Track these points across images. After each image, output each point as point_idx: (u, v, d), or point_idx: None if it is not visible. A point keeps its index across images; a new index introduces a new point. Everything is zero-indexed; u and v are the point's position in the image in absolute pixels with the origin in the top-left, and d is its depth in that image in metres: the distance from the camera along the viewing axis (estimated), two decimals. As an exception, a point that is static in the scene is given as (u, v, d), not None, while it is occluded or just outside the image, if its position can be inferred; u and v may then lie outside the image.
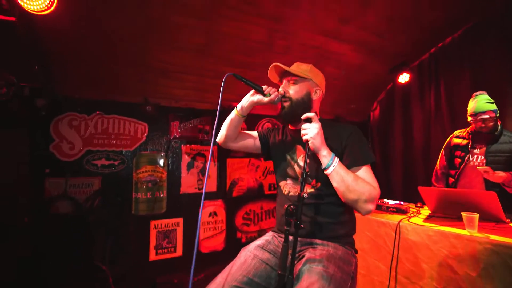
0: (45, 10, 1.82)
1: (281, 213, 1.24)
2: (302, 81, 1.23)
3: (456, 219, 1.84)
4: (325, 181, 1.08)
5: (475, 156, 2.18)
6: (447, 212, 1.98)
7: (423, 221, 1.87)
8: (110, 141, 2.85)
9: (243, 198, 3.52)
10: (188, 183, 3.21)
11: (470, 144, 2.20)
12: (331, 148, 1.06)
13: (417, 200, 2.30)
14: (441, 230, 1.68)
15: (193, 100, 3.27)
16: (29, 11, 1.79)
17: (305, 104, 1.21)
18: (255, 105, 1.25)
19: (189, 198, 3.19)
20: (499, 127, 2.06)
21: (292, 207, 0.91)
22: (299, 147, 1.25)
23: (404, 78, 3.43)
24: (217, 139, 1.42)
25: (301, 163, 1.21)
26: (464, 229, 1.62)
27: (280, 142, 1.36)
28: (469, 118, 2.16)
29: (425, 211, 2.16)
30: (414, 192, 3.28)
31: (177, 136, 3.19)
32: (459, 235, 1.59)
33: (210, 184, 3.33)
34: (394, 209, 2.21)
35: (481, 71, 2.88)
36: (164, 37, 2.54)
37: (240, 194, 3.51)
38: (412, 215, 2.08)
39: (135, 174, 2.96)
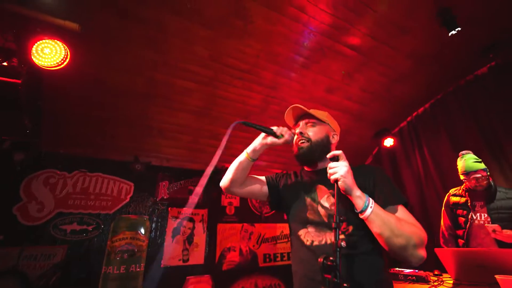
0: (57, 66, 1.88)
1: (303, 272, 0.99)
2: (320, 124, 1.21)
3: (487, 285, 1.61)
4: (358, 224, 0.92)
5: (478, 214, 2.14)
6: (474, 278, 1.74)
7: None
8: (87, 202, 2.53)
9: (235, 272, 3.01)
10: (171, 253, 2.75)
11: (469, 202, 2.18)
12: (361, 188, 0.93)
13: (429, 266, 2.09)
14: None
15: (185, 160, 3.18)
16: (41, 66, 1.84)
17: (324, 146, 1.16)
18: (268, 147, 1.20)
19: (171, 273, 2.67)
20: (493, 184, 2.10)
21: (330, 258, 0.70)
22: (321, 187, 1.11)
23: (389, 142, 3.66)
24: (222, 183, 1.28)
25: (326, 204, 1.04)
26: (504, 296, 1.39)
27: (295, 184, 1.23)
28: (462, 177, 2.20)
29: (447, 279, 1.90)
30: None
31: (165, 197, 2.93)
32: (502, 304, 1.34)
33: (197, 254, 2.87)
34: (414, 278, 1.94)
35: (455, 134, 3.18)
36: (164, 99, 2.67)
37: (232, 267, 3.01)
38: (436, 283, 1.81)
39: (110, 242, 2.52)
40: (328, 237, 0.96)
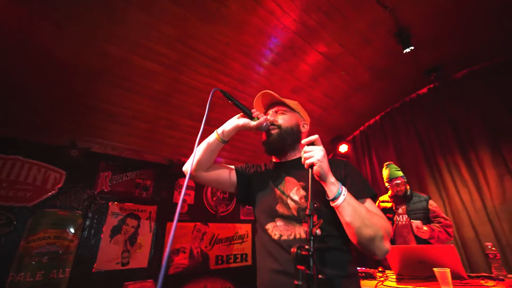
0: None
1: (271, 267, 0.91)
2: (291, 112, 1.17)
3: (425, 279, 1.76)
4: (329, 218, 0.89)
5: (401, 216, 2.46)
6: (413, 273, 1.90)
7: (398, 284, 1.73)
8: (-3, 191, 2.00)
9: (183, 276, 2.74)
10: (108, 255, 2.36)
11: (394, 206, 2.50)
12: None
13: (373, 263, 2.35)
14: (421, 291, 1.54)
15: (137, 149, 2.82)
16: None
17: (294, 134, 1.13)
18: (240, 129, 1.09)
19: (105, 279, 2.28)
20: (409, 190, 2.46)
21: (306, 247, 0.62)
22: (290, 179, 1.05)
23: (343, 148, 3.89)
24: (185, 167, 1.12)
25: (296, 197, 0.99)
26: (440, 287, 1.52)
27: (265, 176, 1.15)
28: (387, 184, 2.62)
29: (390, 275, 2.04)
30: (363, 257, 3.29)
31: (106, 190, 2.52)
32: (440, 294, 1.46)
33: (139, 257, 2.52)
34: (363, 274, 2.05)
35: (399, 145, 3.55)
36: (118, 78, 2.31)
37: (180, 270, 2.74)
38: (382, 279, 1.92)
39: (25, 242, 2.03)
40: (297, 232, 0.91)
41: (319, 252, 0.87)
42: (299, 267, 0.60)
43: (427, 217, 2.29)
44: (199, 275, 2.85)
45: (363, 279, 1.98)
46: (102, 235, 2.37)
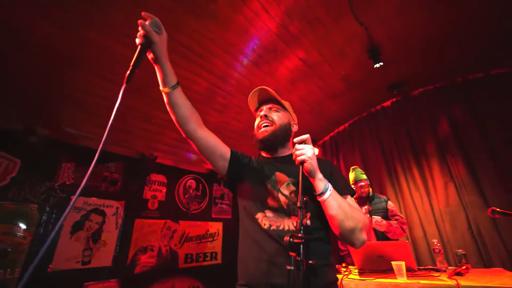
0: None
1: (258, 255, 0.92)
2: (284, 111, 1.20)
3: (383, 272, 1.95)
4: (315, 212, 0.95)
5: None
6: (373, 267, 2.08)
7: (360, 277, 1.89)
8: None
9: (150, 274, 2.63)
10: (67, 253, 2.17)
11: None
12: None
13: (336, 260, 2.52)
14: (381, 282, 1.71)
15: (107, 141, 2.62)
16: None
17: (286, 132, 1.16)
18: (159, 48, 0.92)
19: (62, 279, 2.09)
20: (371, 192, 2.69)
21: (299, 235, 0.67)
22: (280, 174, 1.08)
23: (315, 151, 4.09)
24: (178, 121, 1.03)
25: (286, 192, 1.03)
26: (395, 278, 1.71)
27: (256, 169, 1.14)
28: (353, 186, 2.81)
29: (352, 269, 2.21)
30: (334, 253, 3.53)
31: (68, 183, 2.32)
32: (396, 284, 1.65)
33: (103, 255, 2.37)
34: None
35: (365, 151, 3.87)
36: (94, 65, 2.15)
37: (147, 269, 2.62)
38: (346, 273, 2.08)
39: (-35, 238, 1.78)
40: (286, 223, 0.95)
41: (306, 242, 0.92)
42: (291, 253, 0.65)
43: (386, 216, 2.53)
44: (167, 274, 2.76)
45: (329, 274, 2.12)
46: (61, 232, 2.17)
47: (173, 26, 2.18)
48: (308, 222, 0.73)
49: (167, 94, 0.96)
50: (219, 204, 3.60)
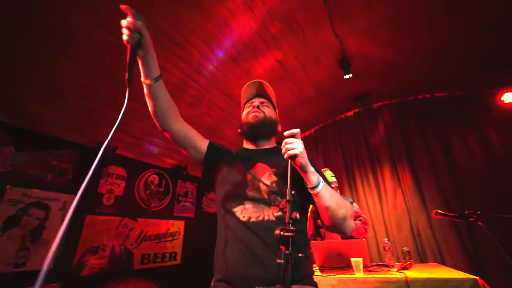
0: None
1: (238, 247, 0.90)
2: (272, 109, 1.24)
3: (341, 269, 2.09)
4: (297, 203, 0.97)
5: None
6: (333, 264, 2.22)
7: (322, 273, 1.98)
8: None
9: (99, 277, 2.36)
10: (-4, 254, 1.82)
11: None
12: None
13: None
14: (342, 277, 1.82)
15: (62, 127, 2.29)
16: None
17: (273, 127, 1.18)
18: (147, 50, 0.88)
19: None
20: (339, 194, 2.91)
21: (291, 228, 0.66)
22: (261, 164, 1.07)
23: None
24: (155, 113, 1.00)
25: (267, 181, 1.01)
26: (353, 274, 1.84)
27: (235, 160, 1.12)
28: None
29: (315, 268, 2.32)
30: None
31: (3, 170, 1.96)
32: (355, 279, 1.77)
33: (43, 256, 2.04)
34: None
35: (328, 157, 4.11)
36: (66, 45, 1.87)
37: (95, 271, 2.34)
38: None
39: None
40: (266, 214, 0.93)
41: (296, 235, 0.93)
42: (282, 247, 0.63)
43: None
44: (120, 277, 2.51)
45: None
46: (-12, 228, 1.82)
47: (156, 12, 2.02)
48: (298, 215, 0.72)
49: (149, 86, 0.92)
50: (182, 202, 3.42)
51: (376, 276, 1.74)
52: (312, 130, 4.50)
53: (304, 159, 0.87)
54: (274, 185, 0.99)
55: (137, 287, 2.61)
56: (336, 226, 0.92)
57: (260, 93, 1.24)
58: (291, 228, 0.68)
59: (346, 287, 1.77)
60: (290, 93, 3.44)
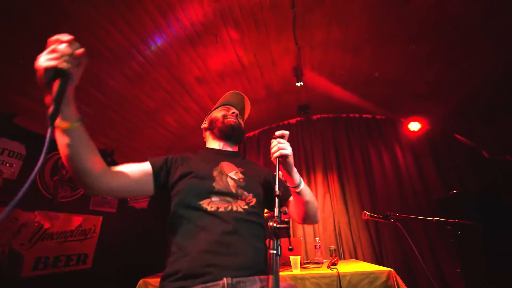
0: None
1: (206, 237, 0.84)
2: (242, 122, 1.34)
3: (281, 266, 2.14)
4: (259, 198, 1.02)
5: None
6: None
7: None
8: None
9: None
10: None
11: None
12: (265, 179, 1.12)
13: None
14: (280, 274, 1.84)
15: None
16: None
17: (243, 136, 1.27)
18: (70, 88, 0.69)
19: None
20: None
21: (286, 220, 0.69)
22: (227, 163, 1.09)
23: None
24: (75, 172, 0.76)
25: (235, 177, 1.04)
26: (291, 271, 1.91)
27: (197, 159, 1.09)
28: None
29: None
30: None
31: None
32: (293, 275, 1.83)
33: None
34: None
35: (267, 159, 4.21)
36: None
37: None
38: None
39: None
40: (234, 205, 0.93)
41: (250, 225, 0.92)
42: (275, 238, 0.63)
43: None
44: (-3, 288, 1.85)
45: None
46: None
47: None
48: (286, 209, 0.71)
49: (65, 131, 0.70)
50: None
51: (312, 272, 1.84)
52: (256, 132, 4.57)
53: (291, 161, 0.93)
54: (241, 180, 1.02)
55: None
56: (310, 218, 1.04)
57: (241, 107, 1.35)
58: (287, 220, 0.67)
59: (284, 281, 1.80)
60: (243, 90, 3.38)
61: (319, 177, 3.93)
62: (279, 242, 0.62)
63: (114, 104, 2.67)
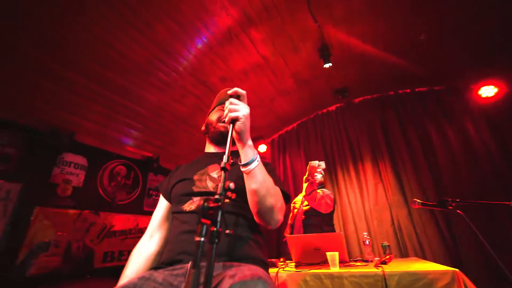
0: None
1: (181, 230, 0.89)
2: None
3: (318, 264, 1.96)
4: (241, 192, 0.89)
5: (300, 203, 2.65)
6: (310, 259, 2.08)
7: (296, 269, 1.85)
8: None
9: (48, 278, 2.09)
10: None
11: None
12: None
13: (275, 256, 2.44)
14: (316, 272, 1.69)
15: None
16: None
17: None
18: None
19: None
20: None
21: (215, 197, 0.52)
22: (214, 165, 1.05)
23: (262, 148, 4.06)
24: None
25: (215, 176, 1.01)
26: (329, 269, 1.71)
27: (187, 167, 1.13)
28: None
29: (292, 263, 2.18)
30: (271, 249, 3.53)
31: None
32: (330, 274, 1.65)
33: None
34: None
35: (309, 151, 4.02)
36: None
37: (45, 271, 2.08)
38: (282, 266, 2.03)
39: None
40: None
41: (236, 216, 0.90)
42: (204, 220, 0.49)
43: None
44: (76, 277, 2.25)
45: (265, 268, 2.03)
46: None
47: None
48: (232, 184, 0.59)
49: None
50: (153, 196, 3.19)
51: (352, 270, 1.63)
52: (294, 125, 4.39)
53: (245, 125, 0.77)
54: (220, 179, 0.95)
55: (97, 286, 2.36)
56: (262, 215, 0.83)
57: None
58: (219, 197, 0.53)
59: (320, 282, 1.65)
60: (270, 84, 3.31)
61: (368, 167, 3.50)
62: (210, 227, 0.48)
63: (152, 115, 2.96)
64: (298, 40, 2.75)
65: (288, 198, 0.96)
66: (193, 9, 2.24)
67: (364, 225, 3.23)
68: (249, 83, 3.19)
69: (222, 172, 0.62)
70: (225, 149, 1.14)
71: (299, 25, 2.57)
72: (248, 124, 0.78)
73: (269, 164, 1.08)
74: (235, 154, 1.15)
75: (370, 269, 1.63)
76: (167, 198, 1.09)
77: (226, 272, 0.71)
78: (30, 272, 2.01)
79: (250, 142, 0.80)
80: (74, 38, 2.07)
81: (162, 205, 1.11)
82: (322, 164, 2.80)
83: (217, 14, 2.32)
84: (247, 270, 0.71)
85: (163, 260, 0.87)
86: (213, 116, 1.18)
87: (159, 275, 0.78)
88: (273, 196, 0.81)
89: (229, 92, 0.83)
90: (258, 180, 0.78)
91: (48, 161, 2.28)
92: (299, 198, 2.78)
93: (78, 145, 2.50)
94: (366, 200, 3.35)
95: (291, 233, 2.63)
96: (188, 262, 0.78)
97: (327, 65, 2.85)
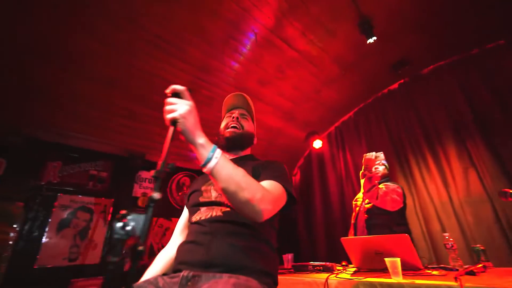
0: None
1: (186, 242, 0.97)
2: (251, 121, 1.26)
3: (381, 271, 1.69)
4: None
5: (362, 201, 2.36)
6: (371, 265, 1.82)
7: (351, 276, 1.66)
8: None
9: (139, 273, 2.58)
10: (53, 250, 2.20)
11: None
12: (251, 173, 0.93)
13: (341, 259, 2.21)
14: (369, 281, 1.46)
15: (90, 139, 2.66)
16: None
17: (250, 140, 1.22)
18: None
19: (50, 275, 2.12)
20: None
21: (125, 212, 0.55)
22: None
23: (318, 144, 3.83)
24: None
25: None
26: (391, 278, 1.45)
27: (199, 179, 1.19)
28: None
29: (352, 269, 1.97)
30: (337, 252, 3.26)
31: (54, 181, 2.36)
32: (387, 284, 1.39)
33: (91, 252, 2.37)
34: (321, 268, 1.98)
35: (372, 140, 3.53)
36: (63, 61, 2.18)
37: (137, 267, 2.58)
38: (339, 271, 1.85)
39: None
40: (215, 211, 0.96)
41: (232, 225, 0.91)
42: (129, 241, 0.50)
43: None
44: (158, 273, 2.69)
45: (320, 272, 1.91)
46: (47, 229, 2.21)
47: (137, 11, 2.12)
48: (157, 195, 0.56)
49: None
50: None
51: (417, 281, 1.33)
52: (351, 113, 3.96)
53: (185, 125, 0.69)
54: None
55: (176, 284, 2.75)
56: (240, 211, 0.76)
57: (241, 105, 1.27)
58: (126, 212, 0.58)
59: None
60: (311, 75, 3.11)
61: (451, 149, 2.79)
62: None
63: (204, 127, 3.25)
64: (329, 21, 2.49)
65: (289, 192, 0.91)
66: (214, 23, 2.36)
67: (454, 223, 2.58)
68: (288, 80, 3.10)
69: (154, 180, 0.59)
70: (236, 155, 1.18)
71: (326, 5, 2.33)
72: (191, 121, 0.70)
73: (278, 162, 1.08)
74: (244, 159, 1.16)
75: (445, 281, 1.29)
76: (187, 207, 1.16)
77: (200, 285, 0.74)
78: (126, 267, 2.52)
79: (201, 140, 0.71)
80: (133, 77, 2.51)
81: (184, 214, 1.20)
82: (381, 155, 2.44)
83: (235, 17, 2.35)
84: (224, 283, 0.70)
85: (165, 272, 0.99)
86: (222, 125, 1.21)
87: (162, 280, 0.84)
88: (246, 189, 0.72)
89: (167, 90, 0.74)
90: (222, 178, 0.71)
91: (129, 179, 2.85)
92: (360, 195, 2.49)
93: (149, 163, 3.02)
94: (454, 191, 2.68)
95: (355, 234, 2.38)
96: (183, 271, 0.82)
97: (371, 40, 2.48)
